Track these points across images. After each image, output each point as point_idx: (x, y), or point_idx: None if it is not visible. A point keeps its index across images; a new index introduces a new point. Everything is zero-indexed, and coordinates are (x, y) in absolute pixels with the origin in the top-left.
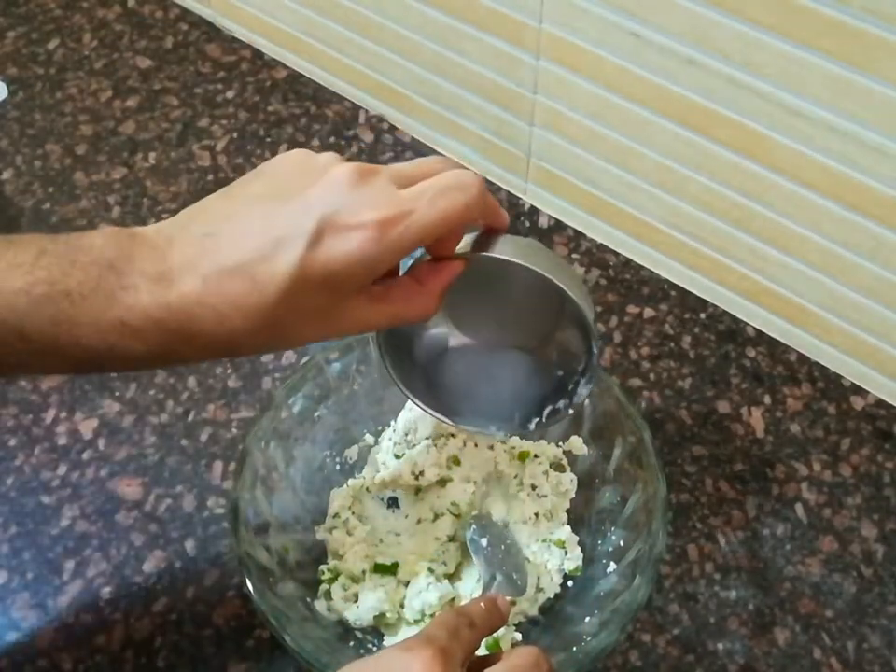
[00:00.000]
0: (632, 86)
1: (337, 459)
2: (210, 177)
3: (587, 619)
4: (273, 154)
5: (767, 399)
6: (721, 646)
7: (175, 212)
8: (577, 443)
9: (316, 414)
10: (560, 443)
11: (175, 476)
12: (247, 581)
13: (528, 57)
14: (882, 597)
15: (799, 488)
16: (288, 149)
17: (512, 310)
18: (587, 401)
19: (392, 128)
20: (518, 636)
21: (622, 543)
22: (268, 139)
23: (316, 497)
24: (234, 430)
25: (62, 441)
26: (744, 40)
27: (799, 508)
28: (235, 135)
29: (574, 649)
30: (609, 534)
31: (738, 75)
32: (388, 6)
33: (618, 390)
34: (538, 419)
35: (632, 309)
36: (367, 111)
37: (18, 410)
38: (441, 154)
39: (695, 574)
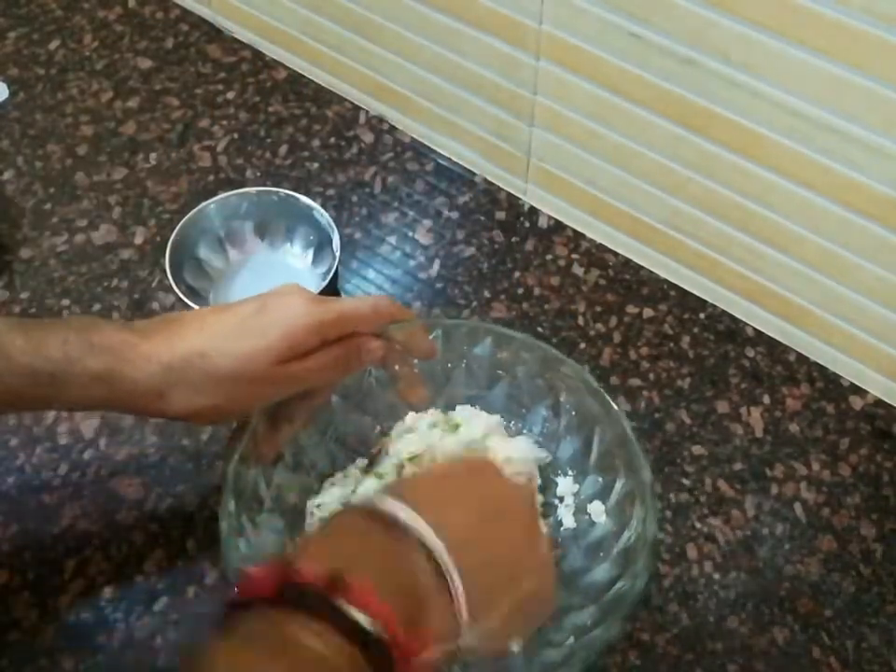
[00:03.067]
0: (632, 86)
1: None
2: (211, 178)
3: (585, 609)
4: (274, 154)
5: (766, 399)
6: (720, 645)
7: (175, 212)
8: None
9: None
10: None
11: (175, 475)
12: (227, 497)
13: (528, 57)
14: (881, 597)
15: (798, 488)
16: (289, 150)
17: None
18: (563, 396)
19: (392, 128)
20: None
21: (612, 531)
22: (268, 140)
23: (346, 458)
24: None
25: (63, 440)
26: (744, 40)
27: (798, 507)
28: (236, 136)
29: (576, 640)
30: (597, 523)
31: (738, 75)
32: (388, 6)
33: (595, 384)
34: None
35: (631, 309)
36: (367, 112)
37: None
38: (441, 154)
39: (695, 573)
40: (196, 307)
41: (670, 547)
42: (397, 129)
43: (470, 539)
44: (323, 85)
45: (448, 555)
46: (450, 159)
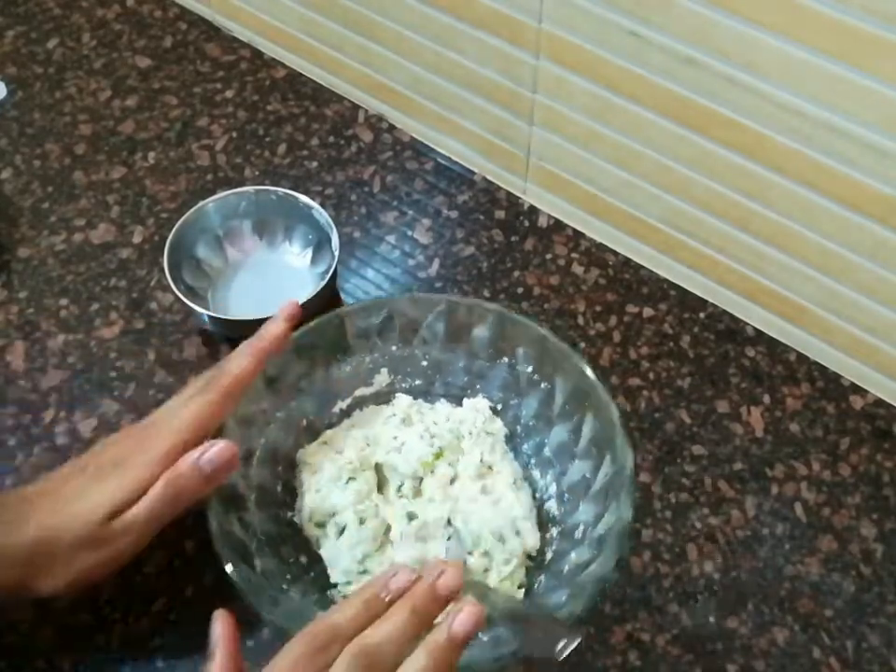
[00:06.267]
0: (632, 85)
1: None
2: (209, 177)
3: (558, 591)
4: (273, 153)
5: (766, 399)
6: (720, 645)
7: (173, 211)
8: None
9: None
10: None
11: None
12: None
13: (528, 56)
14: (881, 597)
15: (798, 488)
16: (288, 149)
17: None
18: (557, 379)
19: (391, 127)
20: None
21: (591, 517)
22: (267, 139)
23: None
24: None
25: (61, 440)
26: (744, 40)
27: (798, 507)
28: (234, 135)
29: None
30: (580, 507)
31: (738, 75)
32: (388, 6)
33: (586, 366)
34: None
35: (631, 308)
36: (366, 111)
37: (17, 409)
38: (440, 153)
39: (695, 574)
40: (195, 307)
41: (670, 547)
42: (396, 128)
43: None
44: (322, 84)
45: None
46: (449, 158)
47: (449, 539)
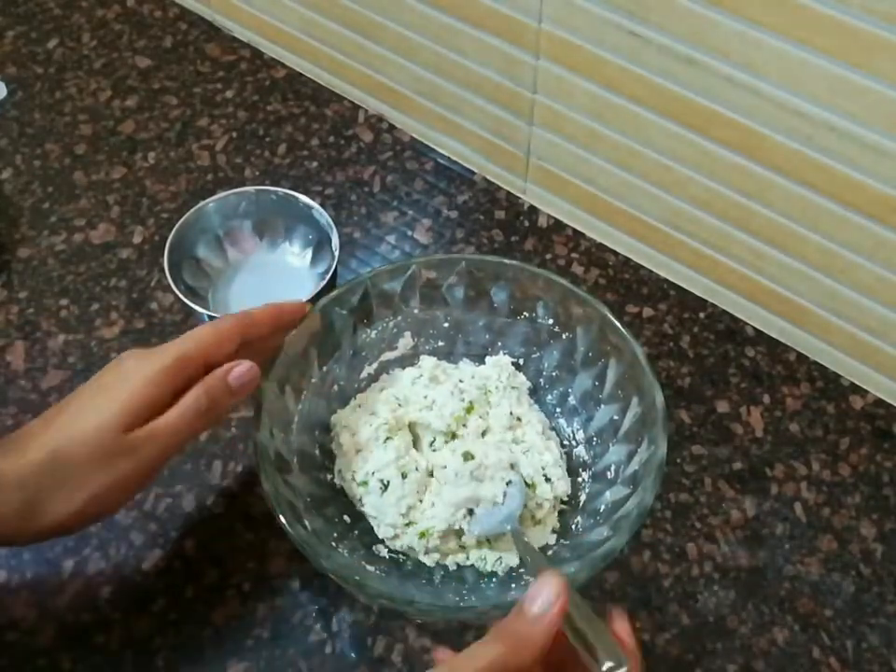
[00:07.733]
0: (632, 85)
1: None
2: (209, 177)
3: (597, 529)
4: (273, 153)
5: (766, 399)
6: (720, 645)
7: (173, 211)
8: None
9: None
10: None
11: (174, 475)
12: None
13: (528, 56)
14: (881, 597)
15: (798, 488)
16: (288, 149)
17: None
18: (578, 329)
19: (391, 127)
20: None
21: (623, 457)
22: (267, 139)
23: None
24: (234, 430)
25: None
26: (744, 40)
27: (798, 507)
28: (234, 135)
29: (589, 555)
30: (609, 449)
31: (738, 75)
32: (388, 6)
33: (607, 311)
34: None
35: (631, 308)
36: (366, 111)
37: (17, 409)
38: (440, 153)
39: (695, 573)
40: (195, 307)
41: (670, 547)
42: (396, 128)
43: None
44: (322, 84)
45: None
46: (449, 158)
47: (509, 483)
